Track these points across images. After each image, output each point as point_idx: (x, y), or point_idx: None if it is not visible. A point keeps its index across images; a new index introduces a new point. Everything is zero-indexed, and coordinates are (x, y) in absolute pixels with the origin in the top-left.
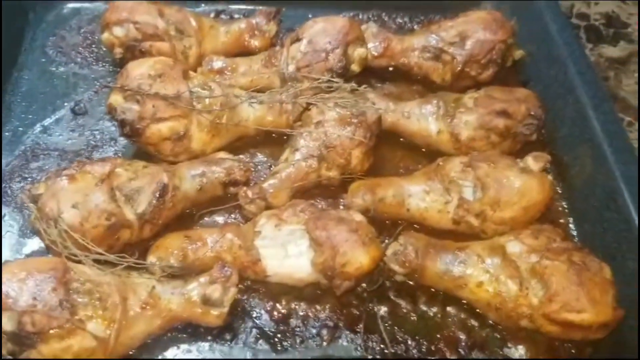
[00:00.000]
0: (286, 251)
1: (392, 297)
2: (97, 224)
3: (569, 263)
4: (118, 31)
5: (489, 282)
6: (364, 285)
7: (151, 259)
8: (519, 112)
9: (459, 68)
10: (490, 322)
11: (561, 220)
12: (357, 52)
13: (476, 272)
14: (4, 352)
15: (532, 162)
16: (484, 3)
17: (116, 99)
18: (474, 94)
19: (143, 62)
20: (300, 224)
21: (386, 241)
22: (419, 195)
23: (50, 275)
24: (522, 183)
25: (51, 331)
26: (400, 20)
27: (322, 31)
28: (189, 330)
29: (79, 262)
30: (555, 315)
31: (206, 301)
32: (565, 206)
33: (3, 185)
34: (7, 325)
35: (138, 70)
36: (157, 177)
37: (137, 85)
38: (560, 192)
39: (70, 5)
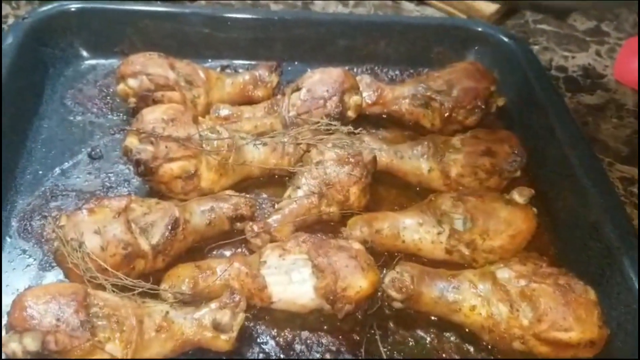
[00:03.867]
0: (290, 278)
1: (391, 323)
2: (114, 252)
3: (555, 286)
4: (132, 82)
5: (481, 305)
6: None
7: (164, 286)
8: (503, 151)
9: (447, 113)
10: (485, 346)
11: (549, 251)
12: (353, 100)
13: (469, 297)
14: None
15: (517, 195)
16: (468, 56)
17: (132, 141)
18: (461, 136)
19: (156, 108)
20: (303, 254)
21: (384, 271)
22: (413, 227)
23: (72, 298)
24: (508, 213)
25: (72, 350)
26: (392, 73)
27: (320, 81)
28: (199, 355)
29: (98, 287)
30: (545, 334)
31: (216, 326)
32: (551, 238)
33: (24, 222)
34: (31, 346)
35: (152, 115)
36: (169, 212)
37: (151, 129)
38: (545, 224)
39: (87, 62)
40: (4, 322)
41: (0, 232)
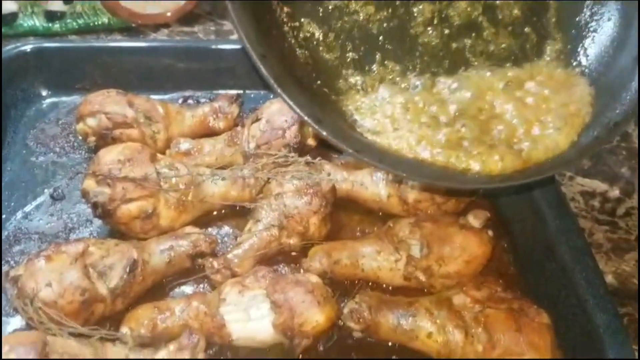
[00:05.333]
0: (249, 315)
1: (352, 353)
2: (72, 299)
3: (509, 310)
4: (91, 122)
5: (437, 332)
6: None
7: (123, 329)
8: None
9: None
10: None
11: (509, 272)
12: (312, 128)
13: (425, 324)
14: None
15: (473, 219)
16: None
17: (89, 183)
18: None
19: (112, 148)
20: (262, 289)
21: (345, 300)
22: (371, 255)
23: (31, 347)
24: (463, 238)
25: None
26: None
27: (278, 111)
28: None
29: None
30: None
31: None
32: (511, 259)
33: None
34: None
35: (108, 157)
36: (127, 254)
37: (108, 170)
38: (505, 246)
39: (49, 100)
40: None
41: None
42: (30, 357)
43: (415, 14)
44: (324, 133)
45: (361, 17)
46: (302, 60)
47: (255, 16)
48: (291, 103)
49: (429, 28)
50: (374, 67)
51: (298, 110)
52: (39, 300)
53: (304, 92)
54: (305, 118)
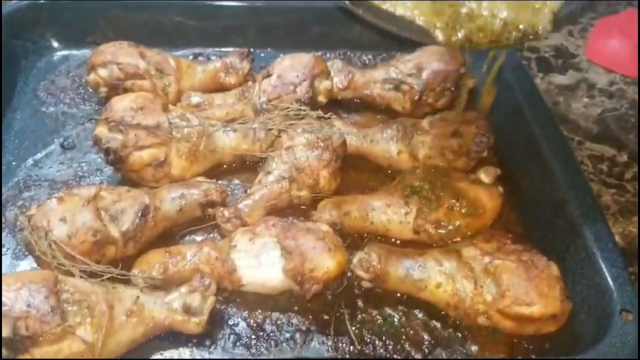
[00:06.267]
0: (260, 261)
1: (359, 302)
2: (84, 239)
3: (518, 262)
4: (102, 72)
5: (446, 283)
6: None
7: (135, 271)
8: (470, 132)
9: (417, 96)
10: (452, 323)
11: (516, 229)
12: (323, 85)
13: (434, 275)
14: None
15: (484, 175)
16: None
17: (101, 130)
18: (430, 118)
19: (125, 96)
20: (272, 237)
21: (354, 252)
22: (381, 208)
23: (42, 285)
24: (474, 193)
25: (43, 335)
26: (365, 58)
27: (290, 66)
28: (171, 338)
29: (69, 274)
30: (508, 309)
31: (187, 310)
32: (518, 216)
33: None
34: (3, 331)
35: (121, 104)
36: (139, 199)
37: (120, 117)
38: (513, 204)
39: (60, 53)
40: None
41: None
42: (42, 294)
43: None
44: None
45: None
46: None
47: None
48: None
49: None
50: None
51: None
52: (53, 236)
53: None
54: None
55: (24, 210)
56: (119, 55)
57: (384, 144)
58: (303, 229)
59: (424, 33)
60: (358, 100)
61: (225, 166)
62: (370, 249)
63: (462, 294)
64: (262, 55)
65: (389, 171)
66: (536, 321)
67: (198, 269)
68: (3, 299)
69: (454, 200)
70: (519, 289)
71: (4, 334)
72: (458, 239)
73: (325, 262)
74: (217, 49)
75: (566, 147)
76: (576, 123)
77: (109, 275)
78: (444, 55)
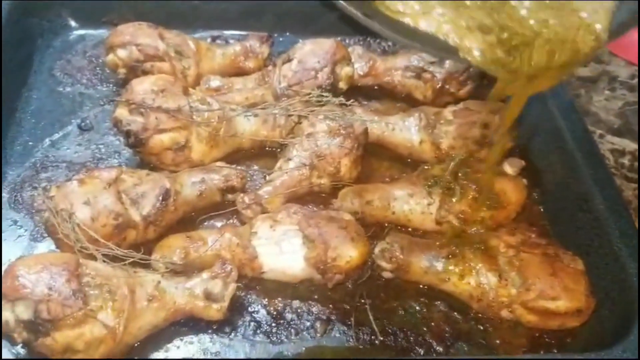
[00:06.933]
0: (281, 249)
1: (380, 293)
2: (105, 223)
3: (544, 255)
4: (121, 53)
5: (470, 275)
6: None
7: (155, 256)
8: (494, 122)
9: (439, 85)
10: (473, 315)
11: (539, 222)
12: (344, 71)
13: (458, 267)
14: (19, 340)
15: (508, 167)
16: None
17: (121, 112)
18: (453, 107)
19: (146, 78)
20: (294, 224)
21: (374, 241)
22: (403, 198)
23: (64, 268)
24: (499, 185)
25: (64, 319)
26: (384, 44)
27: (311, 52)
28: (191, 324)
29: (89, 257)
30: (533, 303)
31: (208, 295)
32: (541, 210)
33: (14, 193)
34: (24, 314)
35: (141, 86)
36: (159, 183)
37: (141, 100)
38: (536, 197)
39: (76, 32)
40: None
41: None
42: (63, 277)
43: None
44: None
45: None
46: None
47: None
48: None
49: None
50: None
51: None
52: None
53: None
54: None
55: (43, 191)
56: (138, 36)
57: (406, 132)
58: (325, 217)
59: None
60: (377, 88)
61: (244, 151)
62: (392, 239)
63: (486, 286)
64: (281, 39)
65: (409, 160)
66: (561, 316)
67: (219, 255)
68: (24, 280)
69: (478, 192)
70: (545, 283)
71: (25, 316)
72: (482, 231)
73: (348, 251)
74: (234, 32)
75: (591, 140)
76: (597, 116)
77: (131, 259)
78: None
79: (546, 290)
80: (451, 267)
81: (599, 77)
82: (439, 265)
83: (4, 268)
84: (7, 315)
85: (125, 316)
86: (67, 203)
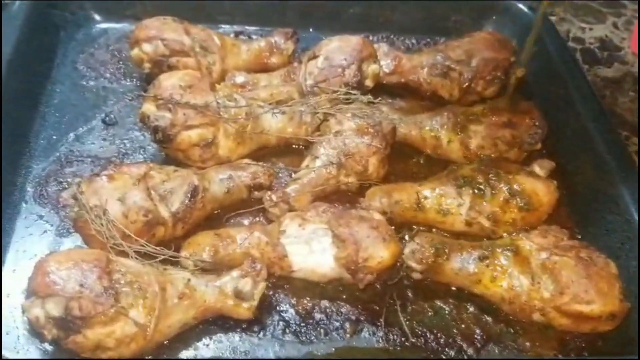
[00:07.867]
0: (310, 247)
1: (409, 293)
2: (135, 219)
3: (577, 259)
4: (147, 47)
5: (502, 277)
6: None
7: (185, 254)
8: (523, 123)
9: (465, 84)
10: (503, 317)
11: (567, 225)
12: (371, 68)
13: (490, 268)
14: (49, 337)
15: (538, 168)
16: (486, 26)
17: (149, 107)
18: (481, 107)
19: (173, 74)
20: (323, 223)
21: (404, 240)
22: (433, 198)
23: (95, 264)
24: (530, 186)
25: (96, 317)
26: (408, 42)
27: (338, 49)
28: (220, 323)
29: (119, 254)
30: (566, 307)
31: (238, 294)
32: (570, 211)
33: (40, 188)
34: (54, 310)
35: (169, 82)
36: (188, 179)
37: (169, 95)
38: (565, 198)
39: (99, 25)
40: (25, 287)
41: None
42: (95, 274)
43: None
44: None
45: None
46: None
47: None
48: None
49: None
50: None
51: None
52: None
53: None
54: None
55: (74, 186)
56: (164, 31)
57: (434, 131)
58: (356, 216)
59: None
60: (402, 86)
61: (269, 148)
62: (423, 239)
63: (518, 289)
64: (303, 35)
65: (437, 159)
66: (594, 320)
67: (248, 253)
68: (54, 277)
69: (510, 193)
70: (578, 286)
71: (56, 313)
72: (513, 233)
73: (379, 252)
74: (257, 28)
75: (620, 142)
76: (622, 117)
77: (162, 257)
78: (494, 43)
79: (580, 294)
80: (483, 269)
81: (624, 79)
82: (471, 267)
83: (31, 263)
84: (37, 311)
85: (157, 314)
86: (98, 199)
